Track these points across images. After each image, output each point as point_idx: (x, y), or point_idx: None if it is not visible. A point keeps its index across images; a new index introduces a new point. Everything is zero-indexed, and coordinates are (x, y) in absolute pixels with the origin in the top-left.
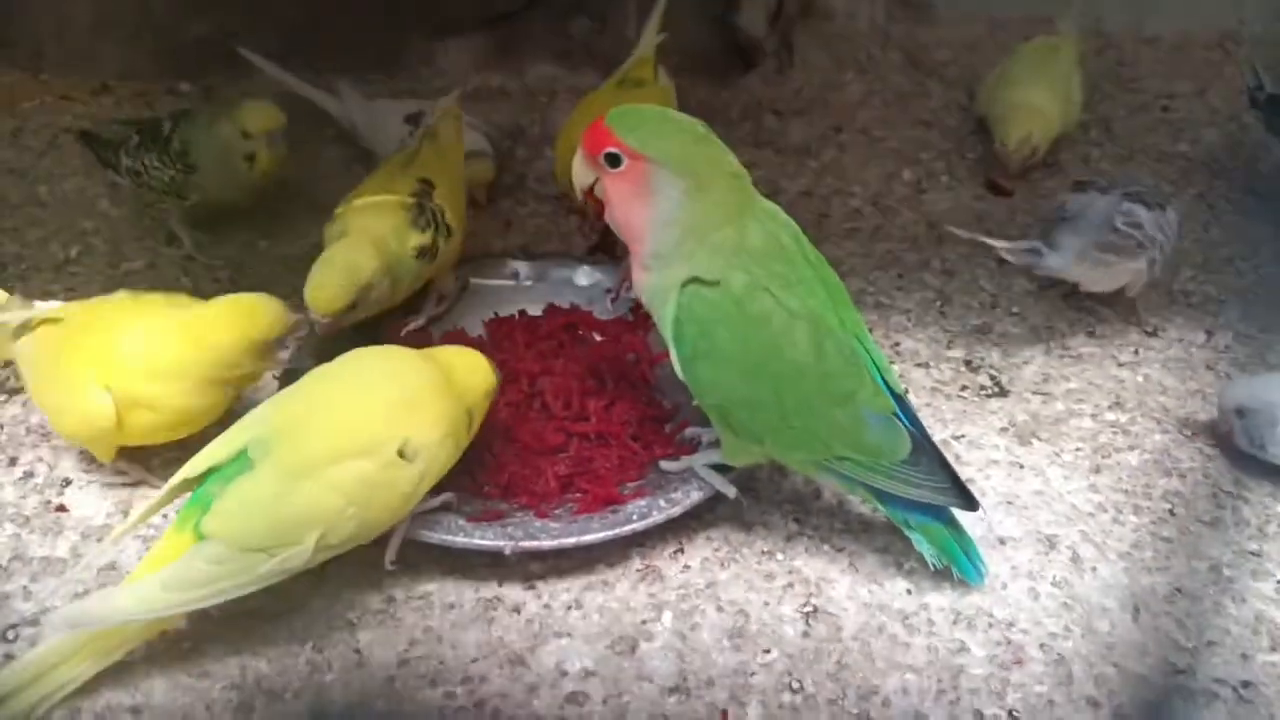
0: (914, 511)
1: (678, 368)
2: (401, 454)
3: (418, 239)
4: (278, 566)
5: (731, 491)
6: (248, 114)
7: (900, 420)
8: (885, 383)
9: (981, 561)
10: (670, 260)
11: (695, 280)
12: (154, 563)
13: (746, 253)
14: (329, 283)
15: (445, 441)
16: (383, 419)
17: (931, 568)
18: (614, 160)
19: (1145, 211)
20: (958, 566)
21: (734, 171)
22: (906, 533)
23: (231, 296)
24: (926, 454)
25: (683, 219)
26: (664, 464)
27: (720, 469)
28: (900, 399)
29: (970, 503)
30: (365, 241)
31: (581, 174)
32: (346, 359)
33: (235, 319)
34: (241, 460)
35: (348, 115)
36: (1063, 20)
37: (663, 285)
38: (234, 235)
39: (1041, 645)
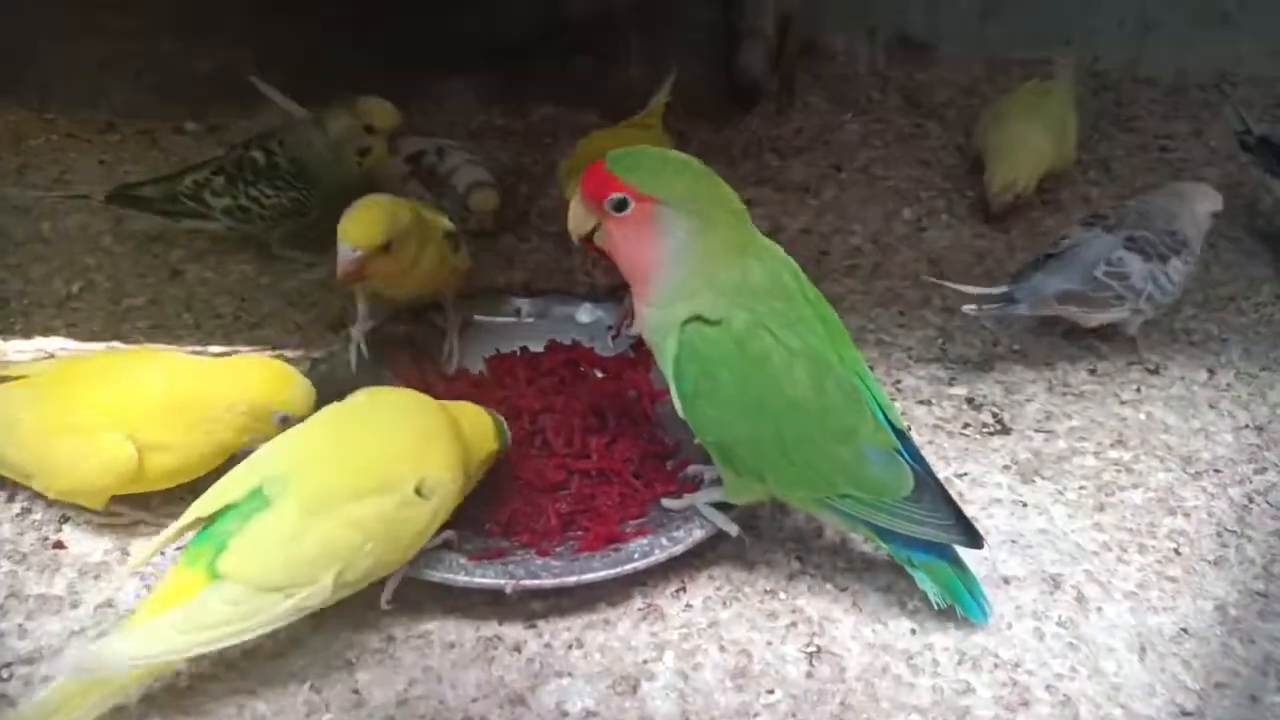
0: (917, 549)
1: (679, 405)
2: (419, 491)
3: (447, 223)
4: (297, 606)
5: (734, 530)
6: (375, 110)
7: (903, 457)
8: (887, 419)
9: (986, 600)
10: (674, 298)
11: (697, 318)
12: (161, 603)
13: (749, 291)
14: (368, 215)
15: (456, 479)
16: (401, 456)
17: (935, 607)
18: (620, 204)
19: (1139, 262)
20: (962, 605)
21: (735, 209)
22: (909, 571)
23: (270, 360)
24: (929, 490)
25: (690, 258)
26: (666, 502)
27: (722, 507)
28: (903, 435)
29: (975, 539)
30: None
31: (581, 219)
32: (360, 398)
33: (265, 381)
34: (256, 498)
35: None
36: (1060, 61)
37: (665, 323)
38: (234, 269)
39: (1048, 686)
